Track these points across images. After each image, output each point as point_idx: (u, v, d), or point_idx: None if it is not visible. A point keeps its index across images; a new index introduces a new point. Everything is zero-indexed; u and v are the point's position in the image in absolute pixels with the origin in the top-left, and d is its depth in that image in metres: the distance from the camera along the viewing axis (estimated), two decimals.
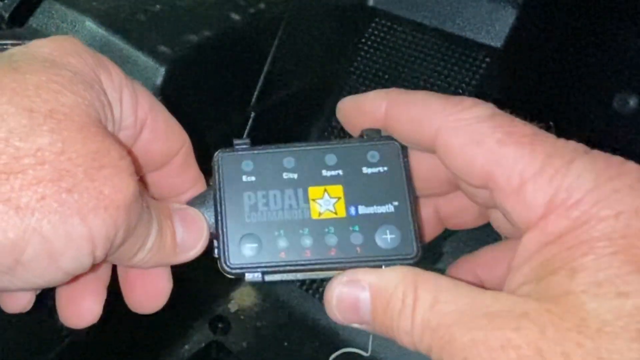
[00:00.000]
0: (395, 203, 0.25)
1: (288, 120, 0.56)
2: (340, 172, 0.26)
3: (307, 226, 0.25)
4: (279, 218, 0.25)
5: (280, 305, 0.54)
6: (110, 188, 0.19)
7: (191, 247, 0.25)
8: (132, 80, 0.24)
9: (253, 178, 0.26)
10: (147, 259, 0.24)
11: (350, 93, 0.58)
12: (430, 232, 0.29)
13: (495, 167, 0.21)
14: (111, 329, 0.42)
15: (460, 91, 0.56)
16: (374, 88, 0.58)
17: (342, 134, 0.57)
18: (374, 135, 0.26)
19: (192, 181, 0.28)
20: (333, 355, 0.50)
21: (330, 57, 0.58)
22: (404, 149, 0.26)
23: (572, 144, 0.21)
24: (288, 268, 0.25)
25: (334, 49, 0.58)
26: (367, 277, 0.23)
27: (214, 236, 0.26)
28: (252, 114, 0.52)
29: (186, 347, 0.54)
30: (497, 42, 0.55)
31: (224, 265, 0.25)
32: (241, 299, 0.54)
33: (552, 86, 0.50)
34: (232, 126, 0.51)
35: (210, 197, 0.26)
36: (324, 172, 0.26)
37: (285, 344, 0.52)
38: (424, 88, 0.57)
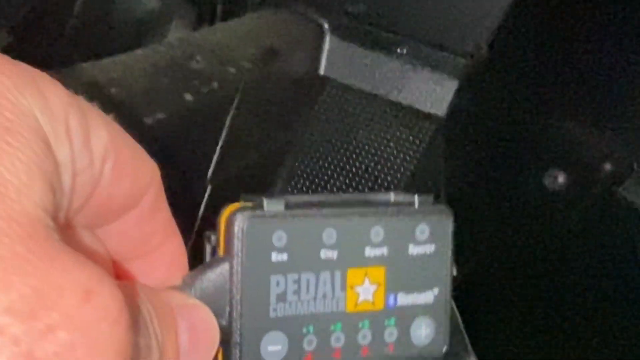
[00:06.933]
0: (436, 290, 0.22)
1: (246, 191, 0.58)
2: (385, 250, 0.21)
3: (340, 320, 0.21)
4: (310, 311, 0.21)
5: None
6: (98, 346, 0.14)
7: None
8: (77, 99, 0.17)
9: (285, 256, 0.20)
10: None
11: (304, 160, 0.60)
12: None
13: None
14: None
15: (408, 157, 0.59)
16: (327, 155, 0.61)
17: None
18: (426, 202, 0.22)
19: (164, 229, 0.22)
20: None
21: (284, 127, 0.60)
22: (454, 220, 0.23)
23: None
24: None
25: (287, 119, 0.61)
26: None
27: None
28: (209, 187, 0.54)
29: None
30: (441, 112, 0.59)
31: None
32: None
33: (489, 159, 0.53)
34: (188, 200, 0.52)
35: (215, 279, 0.20)
36: (368, 251, 0.21)
37: None
38: (374, 154, 0.60)
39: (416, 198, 0.22)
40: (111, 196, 0.19)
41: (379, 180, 0.59)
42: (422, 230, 0.22)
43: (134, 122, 0.47)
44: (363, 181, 0.59)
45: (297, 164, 0.60)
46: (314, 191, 0.59)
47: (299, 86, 0.62)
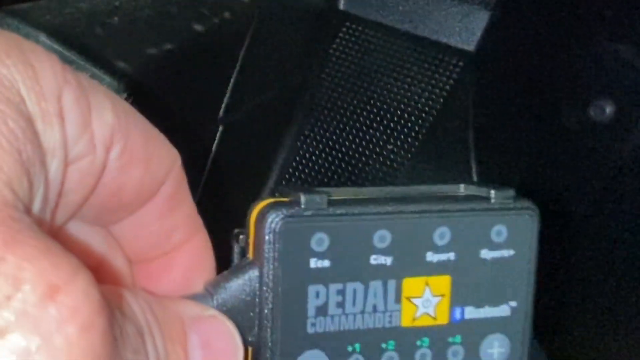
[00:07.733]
0: (514, 304, 0.19)
1: (259, 132, 0.55)
2: (452, 255, 0.18)
3: (393, 337, 0.18)
4: (357, 326, 0.18)
5: None
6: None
7: None
8: (77, 76, 0.15)
9: (326, 263, 0.17)
10: None
11: (322, 100, 0.56)
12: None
13: None
14: None
15: (434, 96, 0.55)
16: (347, 94, 0.57)
17: (314, 144, 0.55)
18: (506, 197, 0.19)
19: (186, 225, 0.19)
20: None
21: (300, 65, 0.56)
22: (540, 220, 0.19)
23: None
24: None
25: (304, 55, 0.57)
26: None
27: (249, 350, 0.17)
28: (220, 127, 0.50)
29: None
30: (470, 46, 0.54)
31: None
32: None
33: (526, 92, 0.48)
34: (199, 141, 0.49)
35: (242, 287, 0.17)
36: (430, 256, 0.18)
37: None
38: (397, 93, 0.56)
39: (493, 192, 0.19)
40: (121, 188, 0.17)
41: (402, 121, 0.55)
42: (499, 231, 0.18)
43: (137, 53, 0.43)
44: (385, 122, 0.55)
45: (314, 105, 0.57)
46: (332, 134, 0.56)
47: (317, 21, 0.57)
